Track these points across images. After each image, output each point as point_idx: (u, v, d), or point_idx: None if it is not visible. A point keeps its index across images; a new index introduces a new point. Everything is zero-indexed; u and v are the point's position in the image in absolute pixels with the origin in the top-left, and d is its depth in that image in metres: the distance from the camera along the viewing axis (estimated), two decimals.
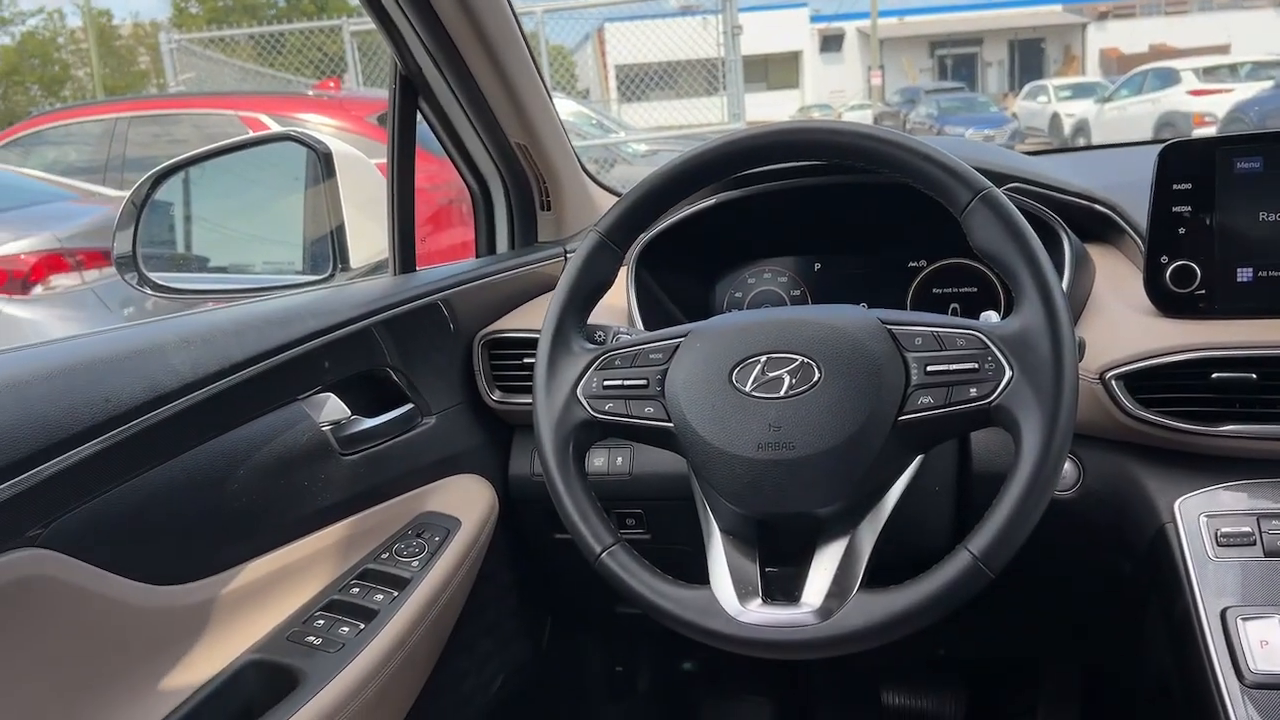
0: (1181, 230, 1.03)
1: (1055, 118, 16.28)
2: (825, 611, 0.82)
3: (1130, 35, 30.67)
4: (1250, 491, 0.98)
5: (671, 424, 0.90)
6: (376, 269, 1.39)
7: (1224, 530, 0.96)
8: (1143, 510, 1.03)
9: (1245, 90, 11.73)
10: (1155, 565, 1.01)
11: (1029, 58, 31.87)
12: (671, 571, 0.90)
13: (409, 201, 1.35)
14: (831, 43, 32.06)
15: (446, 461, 1.24)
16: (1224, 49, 22.28)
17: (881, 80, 25.51)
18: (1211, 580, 0.94)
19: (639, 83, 10.01)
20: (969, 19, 32.53)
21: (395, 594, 1.05)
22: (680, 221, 1.33)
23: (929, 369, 0.84)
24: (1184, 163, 1.03)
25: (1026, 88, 20.22)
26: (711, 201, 1.32)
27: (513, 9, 1.33)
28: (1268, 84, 11.41)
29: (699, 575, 0.89)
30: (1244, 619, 0.89)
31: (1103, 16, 32.35)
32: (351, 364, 1.13)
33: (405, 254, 1.36)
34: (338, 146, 1.39)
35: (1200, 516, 0.98)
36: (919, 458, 0.90)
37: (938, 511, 1.11)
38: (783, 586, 0.87)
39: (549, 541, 1.33)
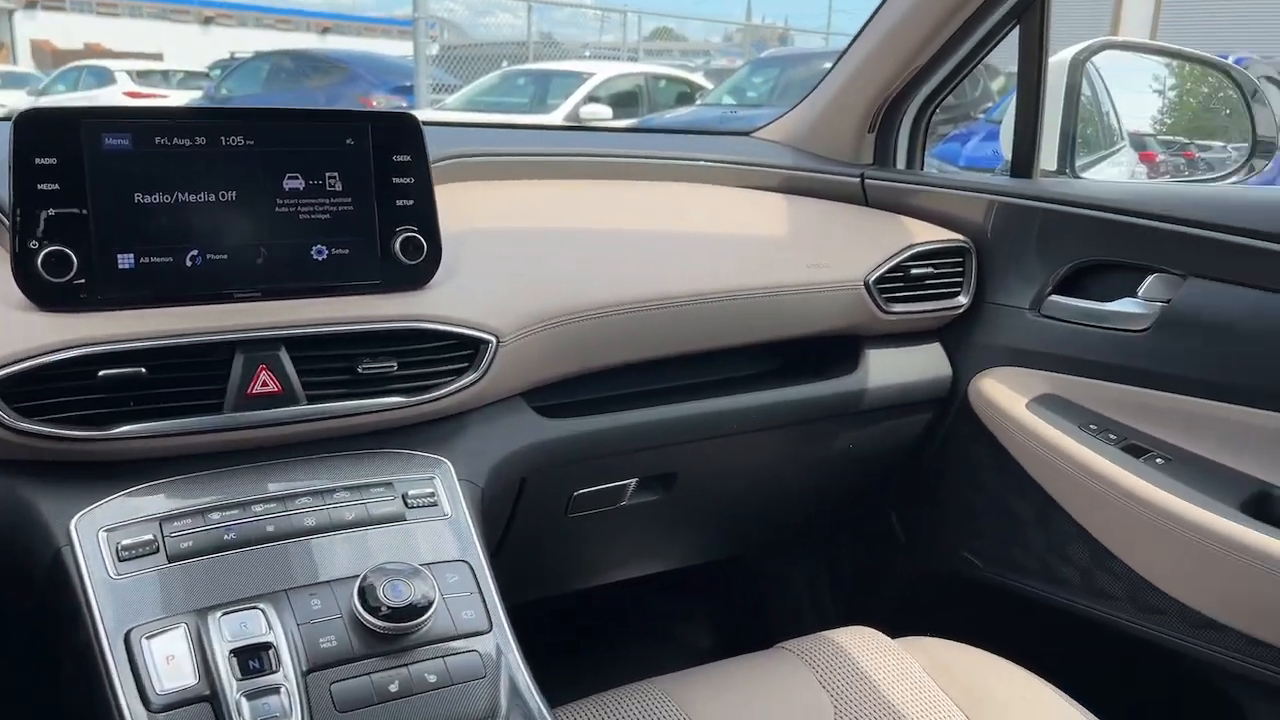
0: (51, 211, 0.91)
1: None
2: None
3: (64, 30, 29.65)
4: (151, 494, 0.91)
5: None
6: None
7: (125, 543, 0.87)
8: (38, 537, 0.89)
9: (180, 96, 12.29)
10: (56, 597, 0.88)
11: None
12: None
13: None
14: None
15: None
16: (158, 56, 23.02)
17: None
18: (114, 602, 0.84)
19: None
20: None
21: None
22: None
23: None
24: (45, 136, 0.90)
25: None
26: None
27: None
28: (197, 93, 12.13)
29: None
30: (148, 637, 0.81)
31: (31, 5, 30.59)
32: None
33: None
34: None
35: (100, 532, 0.87)
36: None
37: None
38: None
39: None
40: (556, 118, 8.90)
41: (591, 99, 9.25)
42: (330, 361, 0.98)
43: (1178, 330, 1.27)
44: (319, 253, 1.02)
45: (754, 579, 1.92)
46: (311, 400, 0.97)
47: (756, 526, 1.66)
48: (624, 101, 9.72)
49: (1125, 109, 1.99)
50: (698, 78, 11.98)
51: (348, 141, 1.02)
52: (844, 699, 1.08)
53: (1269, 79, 7.23)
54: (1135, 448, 1.29)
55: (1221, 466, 1.23)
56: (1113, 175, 1.87)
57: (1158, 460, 1.26)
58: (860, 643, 1.17)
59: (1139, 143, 2.12)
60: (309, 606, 0.87)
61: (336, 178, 1.02)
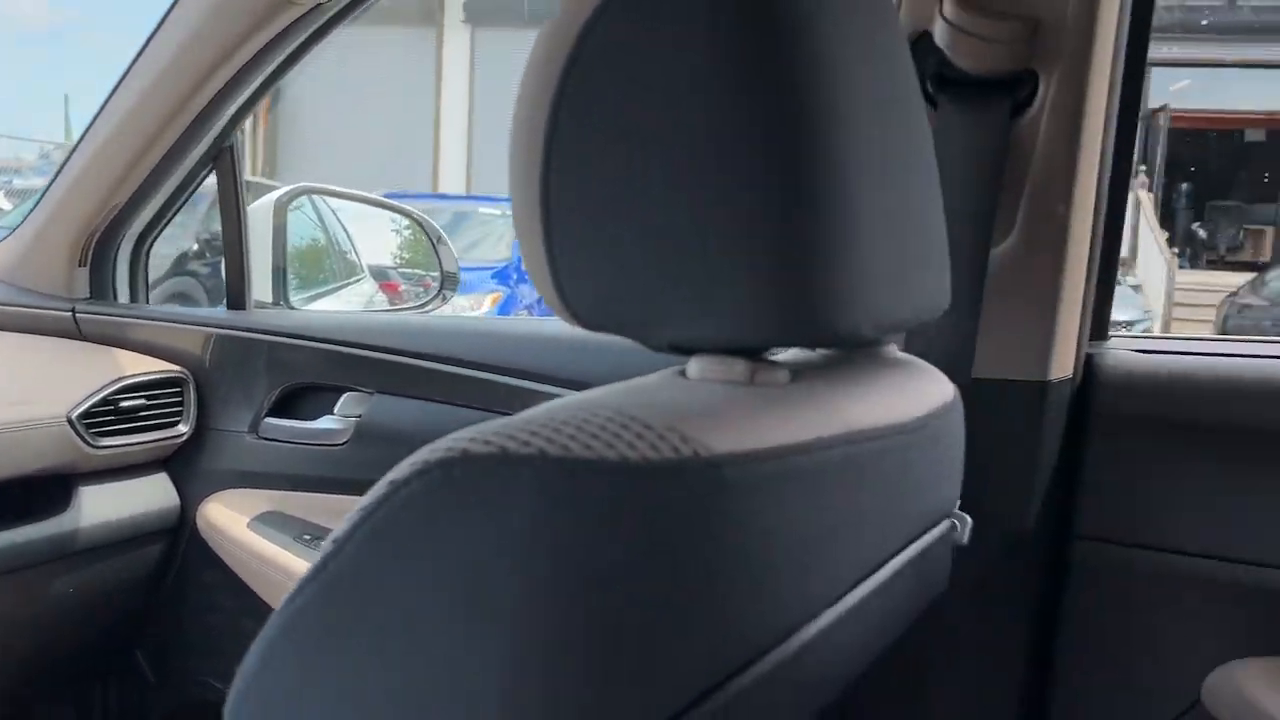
0: None
1: None
2: None
3: None
4: None
5: None
6: None
7: None
8: None
9: None
10: None
11: None
12: None
13: None
14: None
15: None
16: None
17: None
18: None
19: None
20: None
21: None
22: None
23: None
24: None
25: None
26: None
27: None
28: None
29: None
30: None
31: None
32: None
33: None
34: None
35: None
36: None
37: None
38: None
39: None
40: None
41: None
42: None
43: (369, 440, 1.42)
44: None
45: None
46: None
47: None
48: None
49: (367, 246, 2.21)
50: None
51: None
52: None
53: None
54: None
55: None
56: (352, 304, 2.06)
57: None
58: None
59: (382, 274, 2.37)
60: None
61: None
